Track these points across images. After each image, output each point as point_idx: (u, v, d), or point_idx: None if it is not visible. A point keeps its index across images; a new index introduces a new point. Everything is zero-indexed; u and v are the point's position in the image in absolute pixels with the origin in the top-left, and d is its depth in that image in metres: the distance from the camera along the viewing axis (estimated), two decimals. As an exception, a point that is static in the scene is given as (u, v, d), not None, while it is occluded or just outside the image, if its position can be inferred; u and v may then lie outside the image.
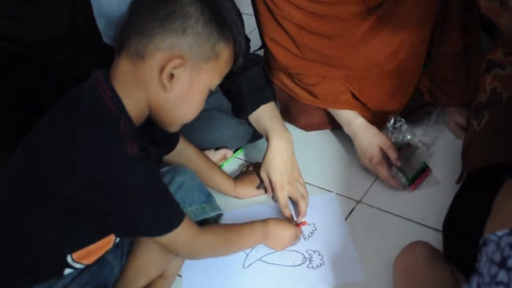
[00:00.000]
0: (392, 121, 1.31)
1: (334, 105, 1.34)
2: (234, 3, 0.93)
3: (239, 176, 1.34)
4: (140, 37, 0.86)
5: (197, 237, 0.94)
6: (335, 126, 1.42)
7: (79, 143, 0.82)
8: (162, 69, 0.86)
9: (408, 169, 1.29)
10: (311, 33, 1.29)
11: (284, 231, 1.14)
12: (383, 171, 1.26)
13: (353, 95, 1.37)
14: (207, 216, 1.09)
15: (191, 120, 0.94)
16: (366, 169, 1.32)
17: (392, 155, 1.26)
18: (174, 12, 0.85)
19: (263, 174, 1.24)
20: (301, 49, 1.32)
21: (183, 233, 0.91)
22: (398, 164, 1.27)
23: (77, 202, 0.84)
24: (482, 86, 1.01)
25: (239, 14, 1.00)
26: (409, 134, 1.32)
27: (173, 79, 0.87)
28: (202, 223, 1.10)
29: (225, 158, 1.41)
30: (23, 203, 0.88)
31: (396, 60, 1.32)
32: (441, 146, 1.40)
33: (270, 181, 1.24)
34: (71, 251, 0.91)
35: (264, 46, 1.38)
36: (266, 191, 1.30)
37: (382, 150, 1.27)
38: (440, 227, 1.15)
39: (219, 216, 1.12)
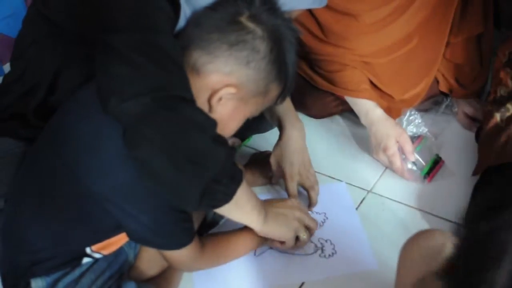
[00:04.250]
0: (407, 114, 1.31)
1: (354, 94, 1.33)
2: (297, 47, 0.93)
3: (248, 165, 1.34)
4: (202, 52, 0.85)
5: (199, 258, 0.96)
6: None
7: (116, 144, 0.80)
8: (214, 92, 0.86)
9: (421, 162, 1.29)
10: (338, 12, 1.28)
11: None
12: (397, 163, 1.26)
13: (372, 85, 1.37)
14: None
15: None
16: (376, 160, 1.32)
17: (408, 148, 1.26)
18: (245, 42, 0.85)
19: (272, 162, 1.24)
20: (326, 33, 1.32)
21: (187, 253, 0.93)
22: (413, 158, 1.27)
23: (103, 200, 0.84)
24: (504, 78, 1.01)
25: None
26: (423, 127, 1.32)
27: (220, 102, 0.88)
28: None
29: (233, 146, 1.40)
30: (49, 196, 0.87)
31: (417, 40, 1.32)
32: (449, 137, 1.40)
33: (280, 170, 1.24)
34: (91, 243, 0.91)
35: None
36: (272, 180, 1.31)
37: (397, 143, 1.27)
38: (449, 216, 1.17)
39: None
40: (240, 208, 0.94)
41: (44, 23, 0.97)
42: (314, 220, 1.10)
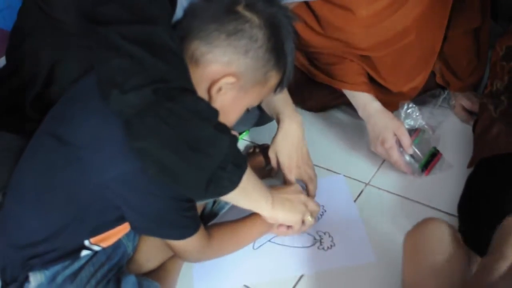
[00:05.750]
0: (405, 107, 1.31)
1: (351, 87, 1.33)
2: (294, 35, 0.93)
3: (246, 158, 1.33)
4: (200, 43, 0.86)
5: (206, 247, 0.96)
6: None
7: (119, 135, 0.79)
8: (214, 82, 0.87)
9: (418, 155, 1.29)
10: (335, 6, 1.28)
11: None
12: (395, 156, 1.26)
13: (370, 78, 1.36)
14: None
15: None
16: (374, 153, 1.32)
17: (406, 141, 1.26)
18: (243, 31, 0.85)
19: (271, 155, 1.24)
20: (323, 26, 1.32)
21: (193, 242, 0.93)
22: (410, 151, 1.27)
23: (105, 191, 0.84)
24: (499, 72, 1.01)
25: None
26: (421, 120, 1.32)
27: (220, 92, 0.88)
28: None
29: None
30: (49, 188, 0.87)
31: (415, 33, 1.32)
32: (447, 130, 1.41)
33: (278, 163, 1.24)
34: (91, 236, 0.91)
35: None
36: (271, 173, 1.31)
37: (395, 135, 1.27)
38: (447, 208, 1.17)
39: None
40: (247, 195, 0.94)
41: (40, 15, 0.96)
42: (317, 204, 1.12)
